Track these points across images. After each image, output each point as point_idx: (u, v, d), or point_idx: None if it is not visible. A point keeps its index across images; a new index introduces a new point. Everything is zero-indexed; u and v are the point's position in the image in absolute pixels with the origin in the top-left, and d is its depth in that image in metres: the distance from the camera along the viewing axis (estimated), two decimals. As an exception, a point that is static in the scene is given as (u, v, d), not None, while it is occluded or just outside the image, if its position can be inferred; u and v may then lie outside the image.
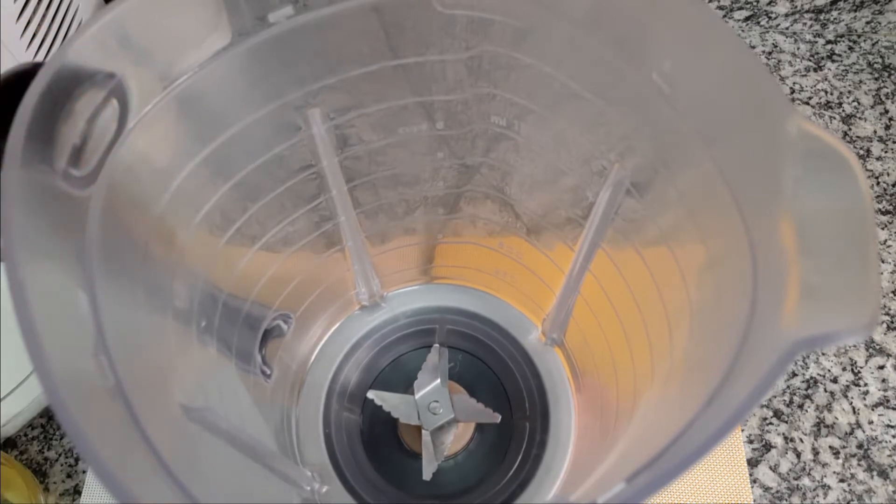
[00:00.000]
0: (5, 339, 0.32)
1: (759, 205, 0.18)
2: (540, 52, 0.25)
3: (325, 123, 0.28)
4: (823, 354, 0.37)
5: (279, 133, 0.27)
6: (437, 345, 0.35)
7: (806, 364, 0.37)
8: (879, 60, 0.46)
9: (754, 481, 0.34)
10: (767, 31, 0.48)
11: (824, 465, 0.34)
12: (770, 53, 0.47)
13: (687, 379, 0.21)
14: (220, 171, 0.25)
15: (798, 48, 0.47)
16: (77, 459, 0.37)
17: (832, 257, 0.16)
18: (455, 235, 0.36)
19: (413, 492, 0.33)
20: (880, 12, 0.46)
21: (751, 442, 0.35)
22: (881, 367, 0.36)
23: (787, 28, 0.48)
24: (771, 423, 0.35)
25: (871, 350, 0.37)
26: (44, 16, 0.36)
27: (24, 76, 0.21)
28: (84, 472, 0.36)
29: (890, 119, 0.44)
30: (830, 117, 0.44)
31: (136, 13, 0.19)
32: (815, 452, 0.34)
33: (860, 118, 0.44)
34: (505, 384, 0.36)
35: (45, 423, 0.38)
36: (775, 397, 0.36)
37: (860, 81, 0.45)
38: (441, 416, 0.33)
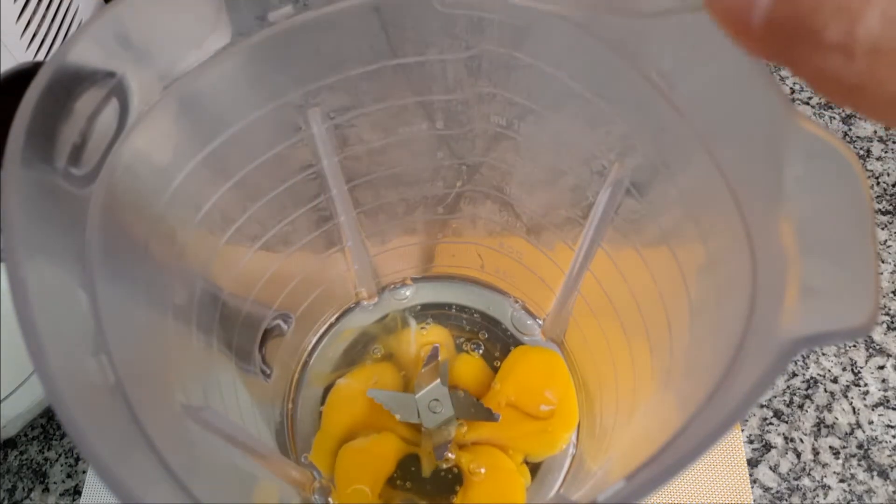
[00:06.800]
0: (5, 339, 0.32)
1: (759, 205, 0.18)
2: (540, 52, 0.25)
3: (325, 123, 0.28)
4: (823, 354, 0.37)
5: (279, 133, 0.27)
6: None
7: (806, 364, 0.37)
8: (879, 60, 0.46)
9: (754, 481, 0.34)
10: (767, 32, 0.48)
11: (824, 465, 0.34)
12: (770, 53, 0.47)
13: (686, 378, 0.21)
14: (220, 171, 0.25)
15: (798, 48, 0.47)
16: (77, 459, 0.37)
17: (832, 257, 0.16)
18: (455, 235, 0.36)
19: (413, 491, 0.33)
20: (880, 12, 0.46)
21: (751, 442, 0.35)
22: (881, 367, 0.36)
23: (787, 28, 0.48)
24: (771, 423, 0.35)
25: (871, 350, 0.37)
26: (44, 16, 0.36)
27: (24, 76, 0.21)
28: (84, 472, 0.36)
29: (890, 119, 0.44)
30: (830, 117, 0.44)
31: (137, 12, 0.19)
32: (816, 452, 0.34)
33: (860, 118, 0.44)
34: (505, 384, 0.36)
35: (46, 423, 0.38)
36: (775, 397, 0.36)
37: (860, 81, 0.45)
38: (441, 415, 0.33)
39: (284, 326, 0.33)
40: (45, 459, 0.37)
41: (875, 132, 0.43)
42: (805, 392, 0.36)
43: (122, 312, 0.20)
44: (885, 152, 0.42)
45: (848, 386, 0.36)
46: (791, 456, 0.34)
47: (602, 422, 0.31)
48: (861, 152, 0.43)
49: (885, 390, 0.35)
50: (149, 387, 0.20)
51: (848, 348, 0.37)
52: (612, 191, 0.26)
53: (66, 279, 0.18)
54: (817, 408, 0.35)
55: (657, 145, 0.23)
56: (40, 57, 0.36)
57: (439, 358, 0.34)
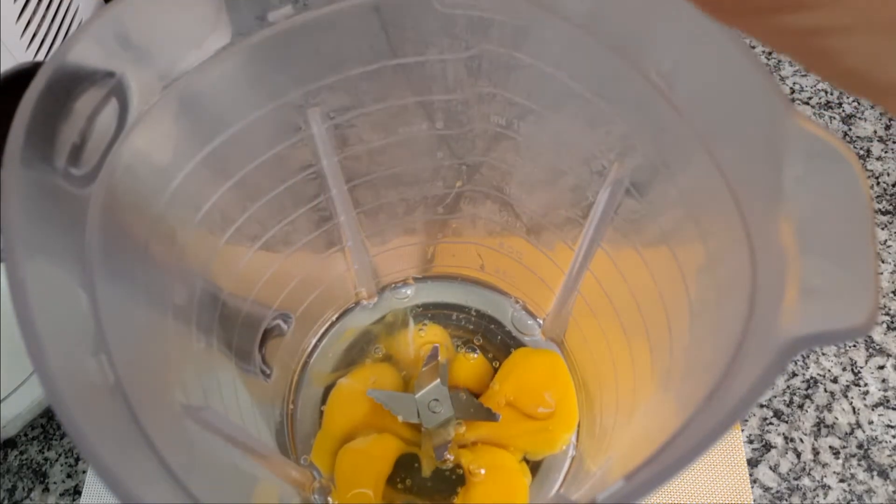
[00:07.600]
0: (5, 339, 0.32)
1: (759, 204, 0.18)
2: (540, 52, 0.25)
3: (325, 123, 0.28)
4: (823, 354, 0.37)
5: (279, 133, 0.27)
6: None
7: (806, 364, 0.37)
8: (879, 60, 0.46)
9: (754, 481, 0.34)
10: (767, 32, 0.48)
11: (824, 465, 0.34)
12: (770, 53, 0.47)
13: (686, 377, 0.21)
14: (220, 171, 0.25)
15: (798, 48, 0.47)
16: (77, 459, 0.37)
17: (831, 257, 0.16)
18: (455, 235, 0.36)
19: (414, 491, 0.33)
20: (880, 12, 0.46)
21: (751, 442, 0.35)
22: (881, 367, 0.36)
23: (787, 28, 0.48)
24: (771, 423, 0.35)
25: (871, 350, 0.37)
26: (44, 16, 0.36)
27: (24, 76, 0.21)
28: (84, 472, 0.36)
29: (890, 119, 0.44)
30: (830, 117, 0.44)
31: (136, 12, 0.19)
32: (816, 452, 0.34)
33: (860, 118, 0.44)
34: (505, 384, 0.36)
35: (46, 423, 0.38)
36: (775, 397, 0.36)
37: (860, 81, 0.45)
38: (441, 415, 0.33)
39: (284, 326, 0.33)
40: (45, 459, 0.37)
41: (875, 132, 0.43)
42: (805, 392, 0.36)
43: (122, 312, 0.20)
44: (885, 152, 0.42)
45: (848, 386, 0.36)
46: (791, 456, 0.34)
47: (602, 422, 0.31)
48: (861, 152, 0.43)
49: (885, 390, 0.35)
50: (149, 387, 0.20)
51: (848, 348, 0.37)
52: (612, 191, 0.26)
53: (66, 279, 0.18)
54: (817, 408, 0.35)
55: (657, 145, 0.23)
56: (40, 57, 0.36)
57: (439, 358, 0.34)
